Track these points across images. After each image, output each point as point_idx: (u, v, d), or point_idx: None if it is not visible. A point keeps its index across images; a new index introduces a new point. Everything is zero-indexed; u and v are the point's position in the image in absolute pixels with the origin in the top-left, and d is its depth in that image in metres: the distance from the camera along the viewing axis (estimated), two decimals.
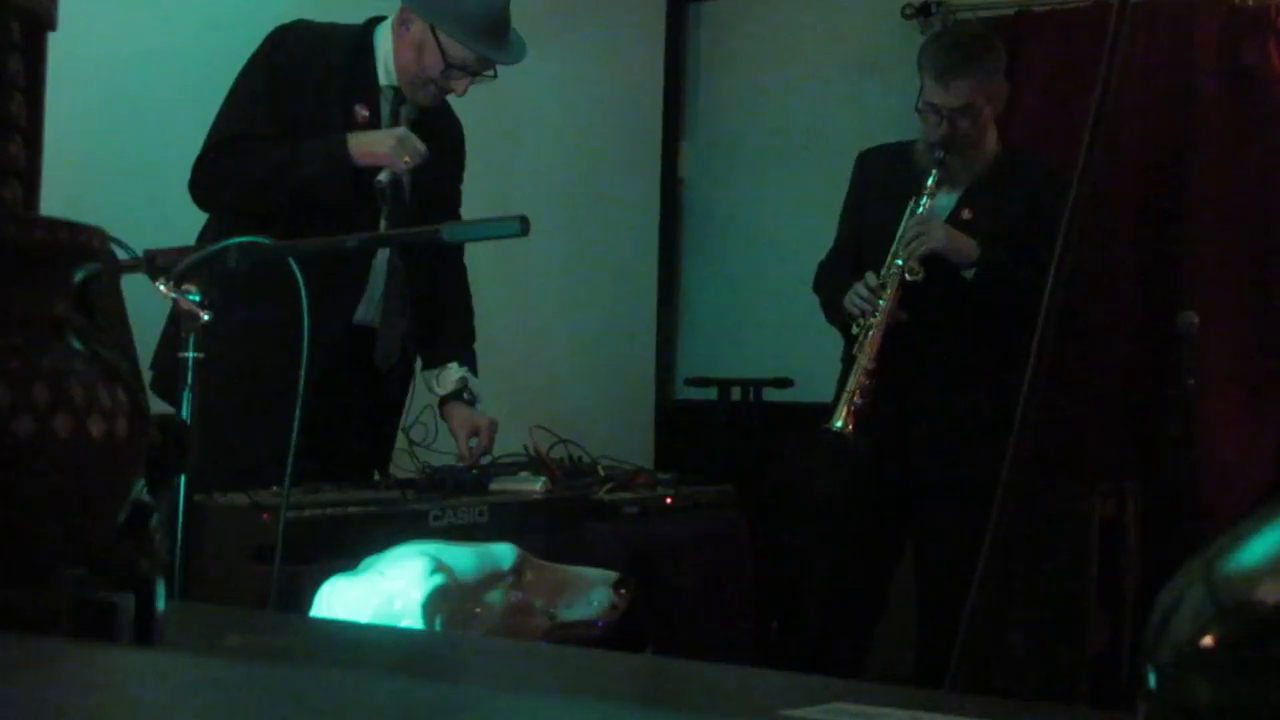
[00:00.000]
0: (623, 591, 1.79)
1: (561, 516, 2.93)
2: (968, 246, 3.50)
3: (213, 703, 0.70)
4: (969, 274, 3.50)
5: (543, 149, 4.60)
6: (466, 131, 3.43)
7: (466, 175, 3.46)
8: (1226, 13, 4.26)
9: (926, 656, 3.69)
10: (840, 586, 3.72)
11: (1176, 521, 4.11)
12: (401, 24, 3.15)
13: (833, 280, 3.70)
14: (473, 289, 3.50)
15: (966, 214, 3.60)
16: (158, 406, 1.24)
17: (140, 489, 0.95)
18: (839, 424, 3.41)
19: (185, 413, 2.06)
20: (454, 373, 3.30)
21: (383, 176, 3.05)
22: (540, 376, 4.51)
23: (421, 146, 3.04)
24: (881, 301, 3.47)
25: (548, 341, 4.63)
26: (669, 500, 3.25)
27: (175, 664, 0.84)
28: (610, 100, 4.94)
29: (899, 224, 3.53)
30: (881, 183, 3.71)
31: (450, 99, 3.26)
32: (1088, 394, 4.31)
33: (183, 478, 2.03)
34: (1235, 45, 4.25)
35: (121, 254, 1.89)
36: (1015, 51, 4.57)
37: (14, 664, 0.76)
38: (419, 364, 3.36)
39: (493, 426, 3.22)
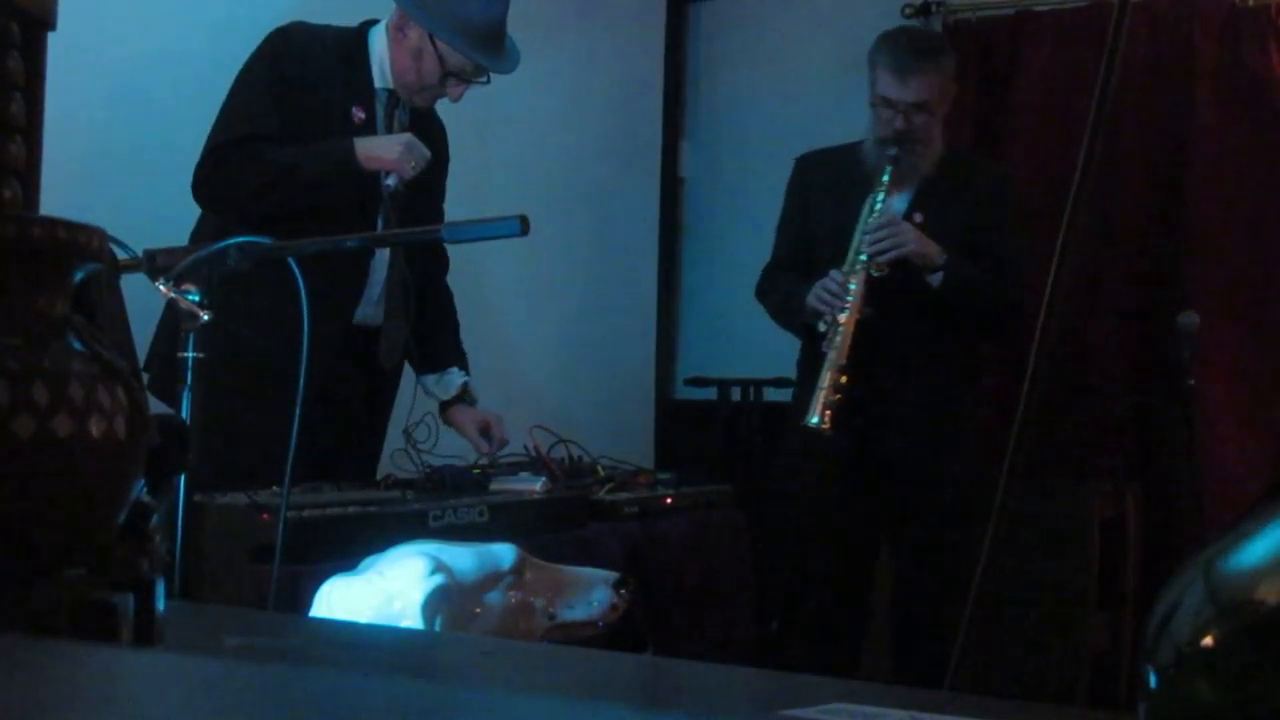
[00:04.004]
0: (623, 591, 1.79)
1: (561, 516, 2.93)
2: (934, 251, 3.52)
3: (213, 703, 0.70)
4: (934, 279, 3.52)
5: (543, 148, 4.60)
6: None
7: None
8: (1226, 13, 4.26)
9: (905, 659, 3.70)
10: (822, 587, 3.72)
11: (1176, 521, 4.11)
12: (398, 30, 3.14)
13: (781, 285, 3.71)
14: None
15: (919, 217, 3.61)
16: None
17: (140, 489, 0.95)
18: (815, 420, 3.39)
19: (185, 413, 2.06)
20: (456, 378, 3.35)
21: (390, 181, 3.06)
22: (540, 376, 4.50)
23: (427, 152, 3.05)
24: (850, 297, 3.47)
25: (548, 341, 4.63)
26: (669, 500, 3.25)
27: (175, 664, 0.84)
28: (610, 100, 4.94)
29: (853, 223, 3.54)
30: (828, 186, 3.71)
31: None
32: (1088, 394, 4.31)
33: (183, 478, 2.03)
34: (1235, 45, 4.24)
35: (121, 254, 1.89)
36: (1015, 51, 4.58)
37: (14, 664, 0.76)
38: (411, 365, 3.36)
39: (501, 421, 3.30)
